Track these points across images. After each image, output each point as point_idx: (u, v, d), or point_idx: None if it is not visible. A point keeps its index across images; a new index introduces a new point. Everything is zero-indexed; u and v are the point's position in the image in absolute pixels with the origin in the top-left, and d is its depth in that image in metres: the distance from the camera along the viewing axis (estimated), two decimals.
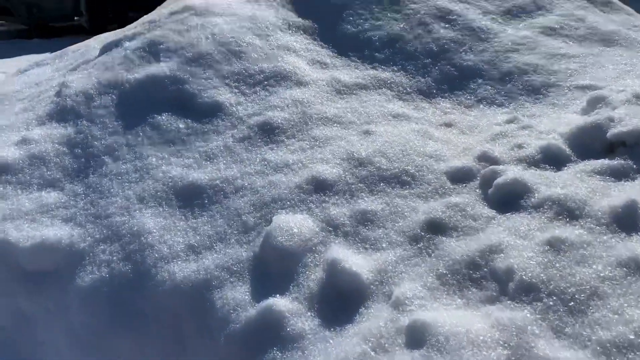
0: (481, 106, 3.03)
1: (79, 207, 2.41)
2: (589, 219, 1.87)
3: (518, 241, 1.85)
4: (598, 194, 1.99)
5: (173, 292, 2.01)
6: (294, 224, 2.07)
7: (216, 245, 2.13)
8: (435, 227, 2.03)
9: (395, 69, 3.27)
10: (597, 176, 2.13)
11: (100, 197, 2.44)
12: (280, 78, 3.02)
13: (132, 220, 2.28)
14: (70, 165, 2.63)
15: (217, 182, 2.38)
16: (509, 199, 2.10)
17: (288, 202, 2.22)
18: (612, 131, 2.27)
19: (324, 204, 2.20)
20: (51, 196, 2.48)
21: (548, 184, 2.12)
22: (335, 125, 2.71)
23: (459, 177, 2.32)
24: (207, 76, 2.99)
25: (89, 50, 3.90)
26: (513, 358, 1.47)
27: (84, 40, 4.40)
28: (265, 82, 2.99)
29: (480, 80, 3.19)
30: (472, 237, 1.95)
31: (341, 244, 2.04)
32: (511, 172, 2.18)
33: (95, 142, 2.71)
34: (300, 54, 3.28)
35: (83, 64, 3.59)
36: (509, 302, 1.66)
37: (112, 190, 2.45)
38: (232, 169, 2.43)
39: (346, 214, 2.15)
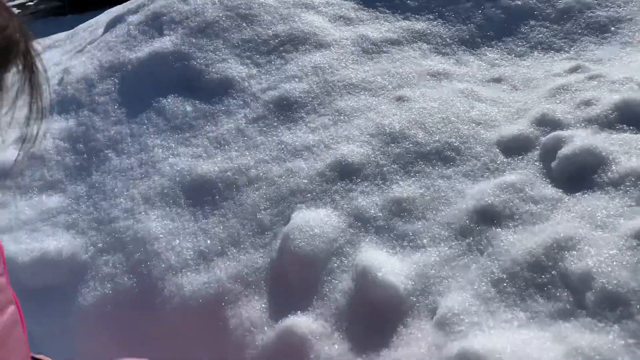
0: (536, 53, 2.56)
1: (81, 211, 2.17)
2: None
3: (595, 233, 1.45)
4: None
5: (181, 309, 1.75)
6: (316, 222, 1.74)
7: (228, 251, 1.84)
8: (488, 216, 1.65)
9: (431, 17, 2.81)
10: None
11: (103, 199, 2.19)
12: (297, 42, 2.63)
13: (136, 225, 2.02)
14: (72, 163, 2.39)
15: (229, 173, 2.07)
16: (578, 175, 1.68)
17: (309, 194, 1.89)
18: None
19: (350, 194, 1.86)
20: (52, 200, 2.25)
21: (628, 151, 1.68)
22: (362, 93, 2.33)
23: (514, 147, 1.91)
24: (215, 47, 2.64)
25: (97, 28, 3.62)
26: None
27: None
28: (281, 49, 2.62)
29: (532, 22, 2.69)
30: (535, 228, 1.56)
31: (373, 242, 1.70)
32: (579, 139, 1.76)
33: (98, 135, 2.45)
34: (320, 10, 2.86)
35: (89, 44, 3.32)
36: (588, 319, 1.29)
37: (115, 189, 2.19)
38: (245, 157, 2.11)
39: (378, 205, 1.80)
